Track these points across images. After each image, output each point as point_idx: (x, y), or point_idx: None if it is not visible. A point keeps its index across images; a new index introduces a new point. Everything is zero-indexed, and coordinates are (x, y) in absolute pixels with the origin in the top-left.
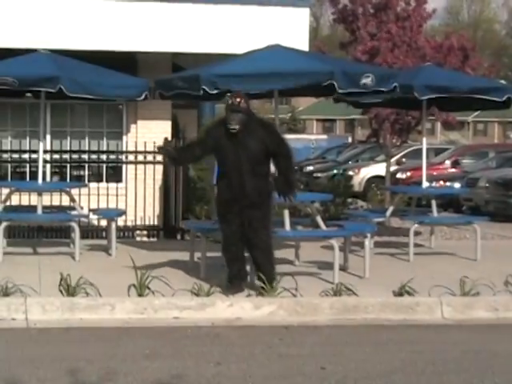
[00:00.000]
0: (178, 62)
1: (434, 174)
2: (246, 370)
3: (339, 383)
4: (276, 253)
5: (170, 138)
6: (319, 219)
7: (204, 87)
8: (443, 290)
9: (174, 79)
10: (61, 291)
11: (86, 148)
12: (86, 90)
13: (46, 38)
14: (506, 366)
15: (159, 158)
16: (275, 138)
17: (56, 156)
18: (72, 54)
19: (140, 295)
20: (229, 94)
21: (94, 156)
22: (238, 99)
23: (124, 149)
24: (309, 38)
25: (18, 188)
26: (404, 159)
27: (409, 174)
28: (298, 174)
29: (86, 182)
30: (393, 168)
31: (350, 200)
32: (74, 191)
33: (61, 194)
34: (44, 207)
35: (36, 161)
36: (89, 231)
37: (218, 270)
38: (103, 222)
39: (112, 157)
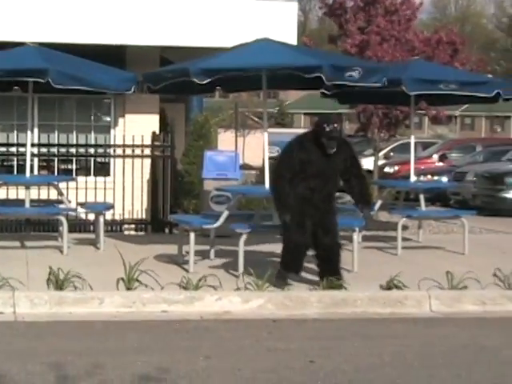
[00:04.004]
0: (166, 55)
1: (422, 168)
2: (234, 364)
3: (328, 377)
4: (266, 246)
5: (157, 132)
6: None
7: (194, 79)
8: (431, 283)
9: (162, 72)
10: (49, 285)
11: (74, 142)
12: (74, 82)
13: (34, 31)
14: (493, 360)
15: (147, 151)
16: (354, 155)
17: (44, 149)
18: (60, 48)
19: (128, 289)
20: (326, 121)
21: (81, 150)
22: (336, 125)
23: (112, 142)
24: (297, 32)
25: (5, 181)
26: (392, 153)
27: (397, 168)
28: None
29: (74, 175)
30: (381, 162)
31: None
32: (62, 185)
33: (48, 188)
34: (32, 201)
35: (24, 154)
36: (77, 225)
37: (207, 263)
38: (91, 216)
39: (100, 150)
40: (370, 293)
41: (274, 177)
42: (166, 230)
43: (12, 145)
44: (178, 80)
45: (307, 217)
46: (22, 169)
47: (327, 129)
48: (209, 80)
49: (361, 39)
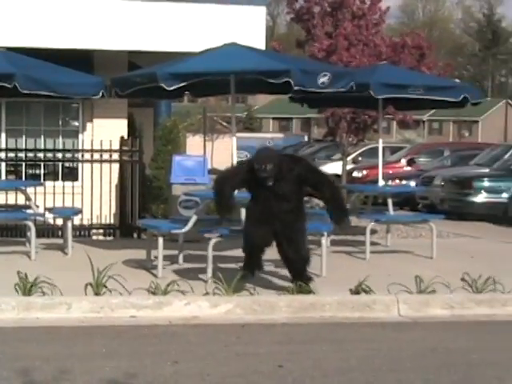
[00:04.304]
0: (134, 60)
1: (390, 172)
2: (203, 369)
3: (296, 381)
4: (235, 251)
5: (126, 137)
6: None
7: (161, 84)
8: (400, 287)
9: (130, 77)
10: (17, 290)
11: (42, 146)
12: (41, 87)
13: (0, 35)
14: (461, 363)
15: (115, 156)
16: (310, 171)
17: (11, 154)
18: (28, 52)
19: (97, 294)
20: (256, 159)
21: (49, 154)
22: (264, 166)
23: (80, 147)
24: (265, 36)
25: None
26: (360, 158)
27: (365, 172)
28: None
29: (42, 180)
30: (349, 166)
31: (306, 198)
32: (30, 190)
33: (16, 193)
34: None
35: None
36: (45, 230)
37: (175, 268)
38: (59, 221)
39: (68, 155)
40: (339, 297)
41: (217, 177)
42: (135, 235)
43: None
44: (147, 85)
45: (267, 222)
46: None
47: (256, 166)
48: (177, 86)
49: (328, 43)
